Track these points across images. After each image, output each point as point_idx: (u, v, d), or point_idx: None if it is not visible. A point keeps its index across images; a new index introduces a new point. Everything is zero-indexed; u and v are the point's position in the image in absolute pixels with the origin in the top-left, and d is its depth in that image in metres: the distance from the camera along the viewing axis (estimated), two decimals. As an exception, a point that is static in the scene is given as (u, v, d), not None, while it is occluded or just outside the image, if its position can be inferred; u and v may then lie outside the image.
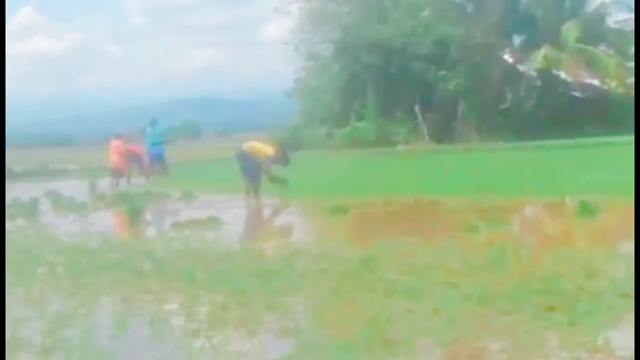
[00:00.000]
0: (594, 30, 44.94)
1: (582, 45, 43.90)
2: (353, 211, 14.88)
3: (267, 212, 17.73)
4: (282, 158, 19.27)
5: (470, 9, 46.07)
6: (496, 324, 6.14)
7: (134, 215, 15.19)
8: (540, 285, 7.07)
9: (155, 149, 28.98)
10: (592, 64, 44.25)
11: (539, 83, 46.16)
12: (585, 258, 8.36)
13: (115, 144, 28.04)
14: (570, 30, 43.65)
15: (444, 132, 41.90)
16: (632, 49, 43.15)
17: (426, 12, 44.39)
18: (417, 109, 42.82)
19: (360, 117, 43.93)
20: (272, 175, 18.91)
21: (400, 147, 39.48)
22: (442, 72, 42.80)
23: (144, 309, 7.34)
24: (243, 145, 19.73)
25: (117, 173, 27.06)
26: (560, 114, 42.26)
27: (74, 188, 24.37)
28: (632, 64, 43.51)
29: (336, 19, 46.43)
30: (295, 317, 6.60)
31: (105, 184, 26.04)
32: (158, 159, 29.03)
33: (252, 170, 18.92)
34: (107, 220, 16.68)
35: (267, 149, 19.22)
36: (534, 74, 46.02)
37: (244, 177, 19.11)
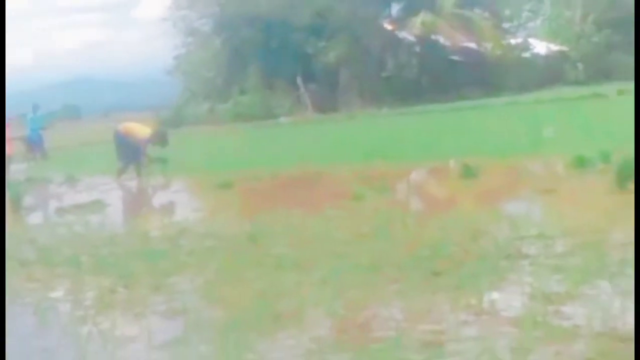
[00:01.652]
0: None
1: (457, 10, 44.70)
2: (238, 186, 14.79)
3: (149, 193, 17.40)
4: (160, 138, 18.97)
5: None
6: (385, 292, 6.15)
7: (16, 202, 14.81)
8: (427, 251, 7.13)
9: (35, 135, 28.46)
10: (468, 28, 45.10)
11: (418, 49, 46.72)
12: (469, 221, 8.46)
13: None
14: (446, -4, 44.41)
15: (326, 102, 42.01)
16: (506, 11, 44.19)
17: (303, -16, 44.34)
18: (299, 80, 42.88)
19: (243, 91, 43.76)
20: (150, 156, 18.67)
21: (283, 119, 39.51)
22: (322, 43, 42.90)
23: (29, 298, 7.15)
24: (119, 127, 19.46)
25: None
26: (441, 78, 42.96)
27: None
28: (507, 25, 44.58)
29: (213, -7, 46.10)
30: (183, 297, 6.52)
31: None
32: (38, 144, 28.51)
33: (128, 152, 18.67)
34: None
35: (143, 130, 18.97)
36: (414, 40, 46.56)
37: (120, 159, 18.87)
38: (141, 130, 18.96)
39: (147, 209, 14.83)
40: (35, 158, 27.99)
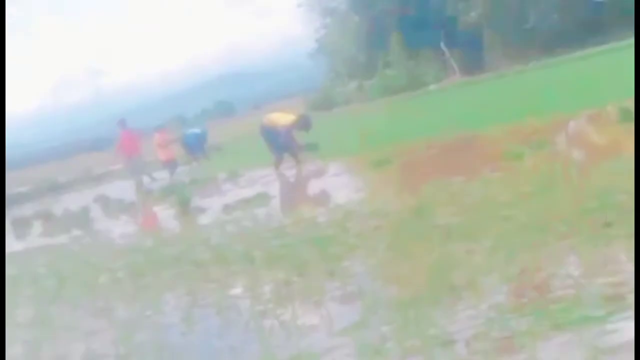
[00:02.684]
0: None
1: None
2: (396, 161, 14.82)
3: (307, 179, 17.40)
4: (303, 124, 19.05)
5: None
6: (557, 250, 6.06)
7: (184, 205, 15.25)
8: (595, 202, 6.99)
9: (193, 137, 29.25)
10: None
11: (558, -4, 45.53)
12: (633, 166, 8.24)
13: (158, 137, 27.92)
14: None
15: (473, 64, 41.50)
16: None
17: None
18: (442, 45, 42.49)
19: (387, 65, 43.64)
20: (297, 142, 18.78)
21: (432, 87, 39.21)
22: (462, 4, 42.33)
23: (209, 299, 7.36)
24: (263, 119, 19.69)
25: (171, 164, 27.04)
26: (585, 22, 41.69)
27: (121, 189, 24.57)
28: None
29: (345, -30, 46.11)
30: (357, 280, 6.60)
31: (148, 179, 26.14)
32: (197, 146, 29.21)
33: (276, 142, 18.86)
34: (158, 216, 16.76)
35: (284, 118, 19.07)
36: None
37: (271, 151, 19.11)
38: (283, 118, 19.09)
39: (309, 195, 15.01)
40: (197, 159, 28.71)
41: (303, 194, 15.22)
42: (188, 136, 29.36)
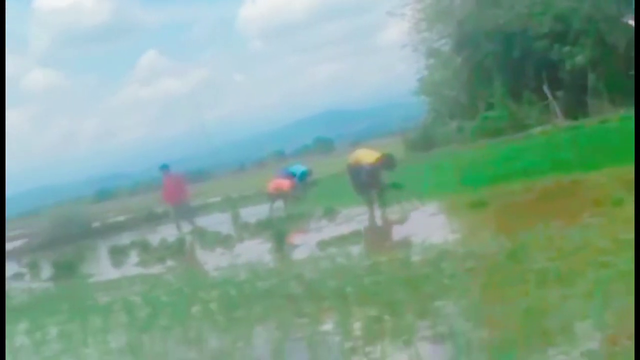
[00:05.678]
0: None
1: None
2: (494, 203, 14.72)
3: (398, 218, 17.15)
4: (387, 163, 18.71)
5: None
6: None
7: (279, 239, 15.34)
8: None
9: (298, 173, 29.39)
10: None
11: (665, 42, 44.75)
12: None
13: (278, 182, 27.91)
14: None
15: (576, 108, 40.92)
16: None
17: (541, -11, 43.42)
18: (545, 88, 42.02)
19: (489, 106, 43.33)
20: (381, 181, 18.61)
21: (534, 130, 38.80)
22: (567, 48, 41.87)
23: (300, 333, 7.38)
24: (349, 157, 19.59)
25: (275, 197, 27.11)
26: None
27: (218, 221, 24.82)
28: None
29: (450, 13, 46.03)
30: (448, 321, 6.56)
31: (245, 213, 26.32)
32: (299, 182, 29.33)
33: (359, 181, 18.76)
34: (253, 250, 16.88)
35: (369, 156, 18.71)
36: (661, 33, 44.65)
37: (355, 189, 18.99)
38: (368, 156, 18.79)
39: (391, 239, 14.95)
40: (298, 195, 28.78)
41: (386, 237, 15.20)
42: (292, 172, 29.49)
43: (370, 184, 18.61)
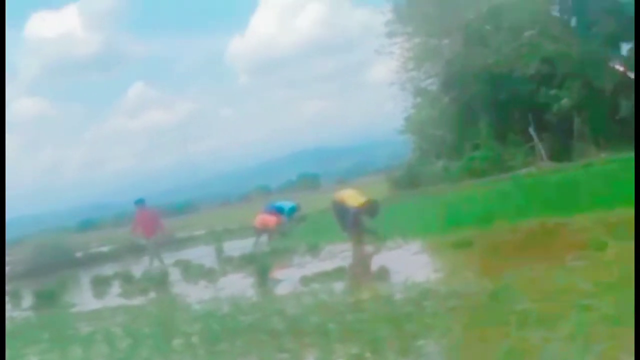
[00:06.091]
0: None
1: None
2: (478, 243, 14.75)
3: (378, 257, 17.11)
4: (370, 210, 19.13)
5: (573, 22, 45.24)
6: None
7: (262, 274, 15.34)
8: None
9: (277, 209, 29.38)
10: None
11: (653, 88, 44.98)
12: None
13: (265, 218, 27.89)
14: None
15: (561, 151, 41.10)
16: None
17: (529, 32, 43.66)
18: (531, 130, 42.21)
19: (475, 147, 43.49)
20: (362, 226, 18.86)
21: (519, 172, 38.94)
22: (553, 91, 42.11)
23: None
24: (335, 195, 19.83)
25: (260, 232, 27.06)
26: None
27: (202, 254, 24.80)
28: None
29: (438, 53, 46.30)
30: (430, 360, 6.57)
31: (230, 246, 26.28)
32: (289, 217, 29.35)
33: (342, 220, 19.03)
34: (236, 284, 16.83)
35: (354, 199, 19.18)
36: (648, 79, 44.88)
37: (339, 226, 19.21)
38: (353, 199, 19.20)
39: (380, 272, 14.92)
40: (283, 231, 28.72)
41: (369, 274, 15.23)
42: (279, 207, 29.52)
43: (352, 225, 18.93)
